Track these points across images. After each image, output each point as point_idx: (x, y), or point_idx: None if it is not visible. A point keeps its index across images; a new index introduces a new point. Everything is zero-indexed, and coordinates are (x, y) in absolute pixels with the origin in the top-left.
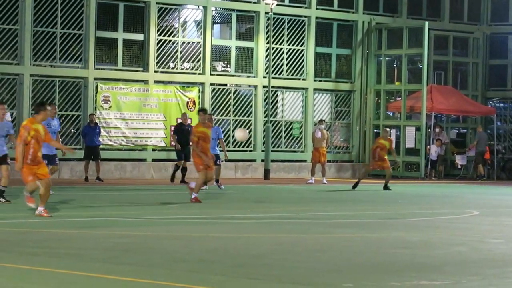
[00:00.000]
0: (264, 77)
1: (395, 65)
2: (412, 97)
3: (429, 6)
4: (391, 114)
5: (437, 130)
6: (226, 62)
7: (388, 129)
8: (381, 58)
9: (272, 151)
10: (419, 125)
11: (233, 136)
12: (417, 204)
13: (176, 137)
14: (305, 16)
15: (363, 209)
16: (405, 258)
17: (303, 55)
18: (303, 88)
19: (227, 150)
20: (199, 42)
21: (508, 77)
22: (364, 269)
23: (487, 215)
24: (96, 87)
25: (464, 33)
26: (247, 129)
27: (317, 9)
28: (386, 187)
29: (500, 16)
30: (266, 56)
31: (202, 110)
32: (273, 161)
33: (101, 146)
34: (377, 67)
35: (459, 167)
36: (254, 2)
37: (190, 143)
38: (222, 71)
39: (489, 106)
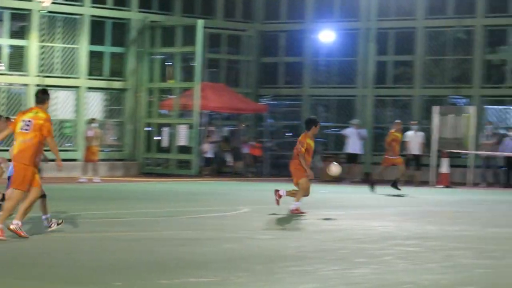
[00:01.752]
0: (37, 76)
1: (168, 63)
2: (185, 95)
3: (202, 3)
4: (164, 112)
5: (210, 128)
6: None
7: (400, 121)
8: (155, 56)
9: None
10: (192, 123)
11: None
12: (190, 202)
13: None
14: (79, 14)
15: (137, 207)
16: (176, 255)
17: (76, 53)
18: (75, 87)
19: None
20: None
21: (280, 74)
22: (135, 267)
23: (257, 211)
24: None
25: (237, 31)
26: None
27: (91, 7)
28: (395, 185)
29: (272, 14)
30: (41, 55)
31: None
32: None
33: None
34: (151, 65)
35: (231, 164)
36: (27, 0)
37: None
38: None
39: (261, 103)
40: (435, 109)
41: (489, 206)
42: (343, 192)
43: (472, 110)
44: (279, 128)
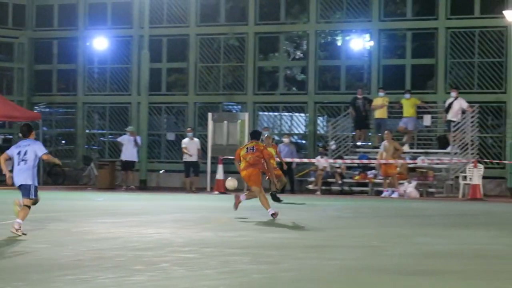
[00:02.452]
0: None
1: None
2: None
3: None
4: None
5: None
6: None
7: (270, 136)
8: None
9: None
10: None
11: None
12: None
13: None
14: None
15: None
16: None
17: None
18: None
19: None
20: None
21: (53, 82)
22: None
23: (33, 220)
24: None
25: (9, 38)
26: None
27: None
28: (276, 198)
29: (44, 21)
30: None
31: None
32: None
33: None
34: None
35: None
36: None
37: None
38: None
39: (35, 111)
40: (210, 116)
41: (264, 212)
42: (119, 199)
43: (246, 116)
44: (54, 136)
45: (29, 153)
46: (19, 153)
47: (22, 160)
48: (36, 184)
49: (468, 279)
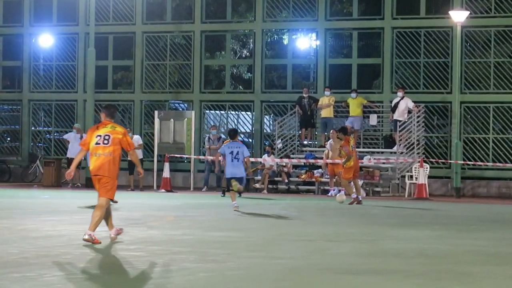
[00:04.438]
0: None
1: None
2: None
3: None
4: None
5: None
6: None
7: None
8: None
9: None
10: None
11: None
12: None
13: None
14: None
15: None
16: None
17: None
18: None
19: None
20: None
21: None
22: None
23: None
24: None
25: None
26: None
27: None
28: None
29: None
30: None
31: None
32: None
33: None
34: None
35: None
36: None
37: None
38: None
39: None
40: (156, 114)
41: (210, 210)
42: (65, 197)
43: (192, 115)
44: (0, 133)
45: (240, 154)
46: (231, 152)
47: (235, 158)
48: (245, 176)
49: (413, 279)
